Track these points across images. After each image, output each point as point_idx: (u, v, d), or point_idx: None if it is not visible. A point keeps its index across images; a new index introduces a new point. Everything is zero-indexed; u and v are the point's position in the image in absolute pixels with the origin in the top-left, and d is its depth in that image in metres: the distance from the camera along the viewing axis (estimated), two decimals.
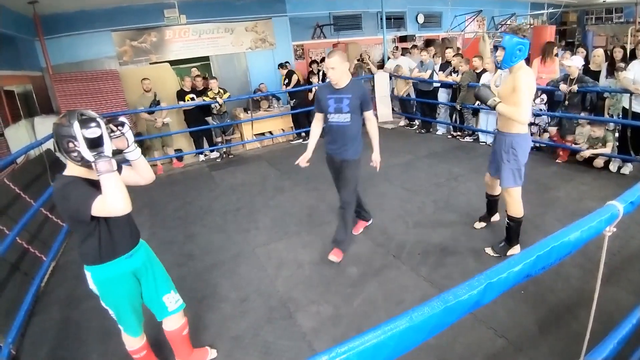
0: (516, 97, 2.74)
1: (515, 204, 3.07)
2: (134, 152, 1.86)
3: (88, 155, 1.51)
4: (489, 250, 3.26)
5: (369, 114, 3.20)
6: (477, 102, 6.29)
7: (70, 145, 1.59)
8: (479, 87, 3.00)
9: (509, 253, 3.18)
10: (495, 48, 2.86)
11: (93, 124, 1.52)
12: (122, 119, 1.78)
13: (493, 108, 2.88)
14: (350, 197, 3.28)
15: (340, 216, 3.34)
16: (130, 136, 1.79)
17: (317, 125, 3.34)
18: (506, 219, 3.16)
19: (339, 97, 3.08)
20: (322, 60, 8.05)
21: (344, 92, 3.07)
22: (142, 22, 8.05)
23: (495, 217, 3.73)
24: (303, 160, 3.23)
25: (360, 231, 3.76)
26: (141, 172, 1.95)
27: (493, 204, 3.64)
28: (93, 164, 1.52)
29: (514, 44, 2.74)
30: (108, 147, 1.56)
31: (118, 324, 2.03)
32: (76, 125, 1.49)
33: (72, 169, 1.70)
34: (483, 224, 3.72)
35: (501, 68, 2.93)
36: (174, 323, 2.16)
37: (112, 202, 1.56)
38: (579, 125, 5.10)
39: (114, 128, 1.73)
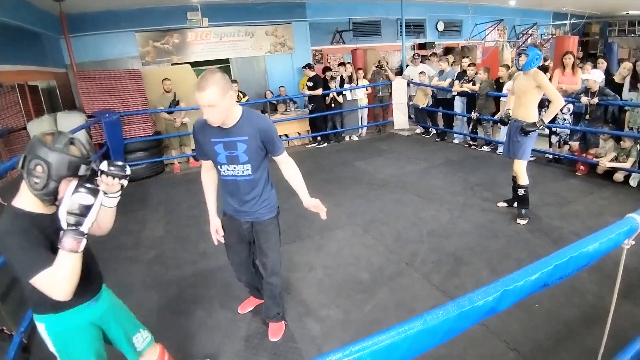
0: (546, 90, 3.61)
1: (524, 175, 3.85)
2: (114, 199, 1.61)
3: (62, 218, 1.27)
4: (518, 221, 3.87)
5: (281, 159, 2.26)
6: (494, 113, 6.26)
7: (38, 168, 1.31)
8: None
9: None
10: (519, 54, 3.69)
11: (87, 190, 1.28)
12: (128, 169, 1.57)
13: (544, 122, 3.70)
14: (276, 266, 2.42)
15: (268, 292, 2.49)
16: (125, 183, 1.58)
17: (208, 177, 2.32)
18: (520, 189, 3.86)
19: (229, 141, 2.06)
20: (340, 64, 8.08)
21: (236, 132, 2.05)
22: (165, 23, 8.23)
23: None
24: (216, 234, 2.42)
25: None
26: (104, 220, 1.62)
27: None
28: (61, 233, 1.28)
29: (534, 53, 3.60)
30: (90, 221, 1.30)
31: None
32: (72, 185, 1.28)
33: (26, 199, 1.38)
34: (505, 204, 4.25)
35: (522, 70, 3.69)
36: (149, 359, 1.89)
37: (58, 287, 1.28)
38: (601, 139, 5.03)
39: (115, 173, 1.53)
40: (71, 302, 1.45)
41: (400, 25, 9.02)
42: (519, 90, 3.80)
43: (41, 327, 1.52)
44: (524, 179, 3.85)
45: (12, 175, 4.23)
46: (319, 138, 7.89)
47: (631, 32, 13.82)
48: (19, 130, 5.44)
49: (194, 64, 8.35)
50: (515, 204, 4.09)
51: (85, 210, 1.27)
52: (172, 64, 8.39)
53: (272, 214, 2.37)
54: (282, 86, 8.51)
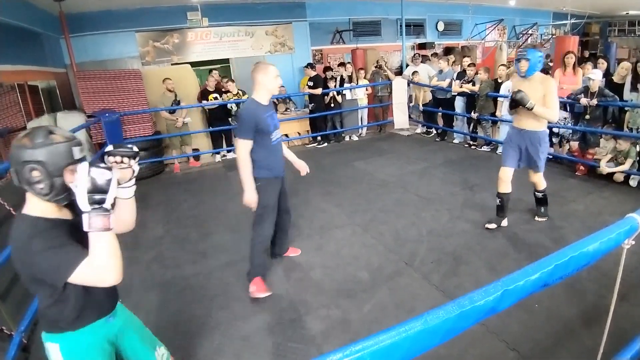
0: (549, 101, 3.27)
1: (543, 181, 3.78)
2: (130, 189, 1.48)
3: (84, 203, 1.15)
4: (537, 218, 3.89)
5: None
6: (495, 112, 6.26)
7: (35, 173, 1.21)
8: (517, 92, 3.32)
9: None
10: (519, 60, 3.34)
11: (99, 167, 1.17)
12: (135, 147, 1.46)
13: (530, 109, 3.29)
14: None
15: (288, 226, 3.43)
16: (136, 169, 1.47)
17: (249, 156, 2.80)
18: (539, 193, 3.85)
19: (272, 113, 2.89)
20: (340, 65, 8.08)
21: (271, 107, 2.90)
22: (165, 23, 8.22)
23: (504, 223, 3.84)
24: (254, 204, 2.90)
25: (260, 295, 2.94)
26: (125, 214, 1.50)
27: (506, 203, 3.79)
28: (86, 215, 1.16)
29: (536, 57, 3.29)
30: (111, 196, 1.19)
31: None
32: (84, 165, 1.16)
33: (36, 206, 1.28)
34: (494, 225, 3.80)
35: (525, 76, 3.36)
36: None
37: (104, 271, 1.20)
38: (603, 138, 5.03)
39: (125, 160, 1.42)
40: (89, 317, 1.40)
41: (400, 25, 9.01)
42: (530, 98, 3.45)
43: (54, 348, 1.38)
44: (544, 184, 3.81)
45: (11, 175, 4.22)
46: (319, 138, 7.89)
47: (631, 32, 13.81)
48: (19, 130, 5.42)
49: (194, 64, 8.35)
50: (504, 223, 3.83)
51: (105, 185, 1.17)
52: (172, 64, 8.38)
53: None
54: (282, 86, 8.50)
